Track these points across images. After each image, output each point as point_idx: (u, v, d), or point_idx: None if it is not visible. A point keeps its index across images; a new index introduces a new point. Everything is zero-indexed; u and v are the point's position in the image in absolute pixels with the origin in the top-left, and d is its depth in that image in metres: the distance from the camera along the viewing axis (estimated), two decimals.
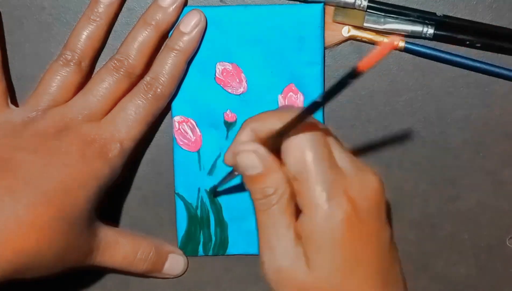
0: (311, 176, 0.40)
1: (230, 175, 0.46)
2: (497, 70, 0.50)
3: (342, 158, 0.42)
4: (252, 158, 0.41)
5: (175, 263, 0.52)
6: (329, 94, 0.36)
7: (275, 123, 0.41)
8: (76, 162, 0.45)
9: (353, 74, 0.33)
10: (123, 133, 0.47)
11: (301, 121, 0.39)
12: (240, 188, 0.51)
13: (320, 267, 0.41)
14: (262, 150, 0.41)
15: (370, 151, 0.52)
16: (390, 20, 0.50)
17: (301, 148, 0.40)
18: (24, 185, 0.43)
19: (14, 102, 0.50)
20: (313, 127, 0.41)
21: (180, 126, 0.50)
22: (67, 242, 0.44)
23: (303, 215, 0.41)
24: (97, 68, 0.50)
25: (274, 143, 0.42)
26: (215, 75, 0.50)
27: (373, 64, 0.32)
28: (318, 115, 0.50)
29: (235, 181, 0.50)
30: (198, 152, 0.51)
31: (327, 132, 0.43)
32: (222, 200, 0.51)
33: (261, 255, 0.42)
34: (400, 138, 0.52)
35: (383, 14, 0.50)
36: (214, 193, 0.51)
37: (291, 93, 0.50)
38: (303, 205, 0.41)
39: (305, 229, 0.41)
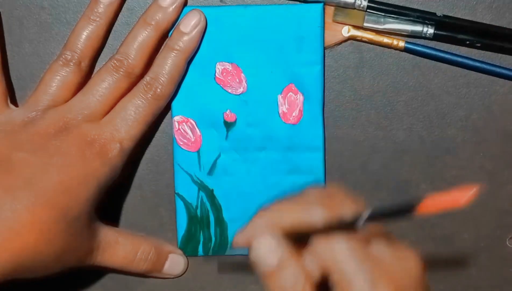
0: (350, 267, 0.38)
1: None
2: (497, 70, 0.50)
3: (378, 248, 0.40)
4: (267, 254, 0.39)
5: (175, 263, 0.52)
6: (386, 215, 0.35)
7: (298, 216, 0.39)
8: (75, 162, 0.45)
9: (410, 211, 0.32)
10: (122, 133, 0.47)
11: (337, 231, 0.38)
12: (240, 188, 0.51)
13: None
14: (277, 245, 0.39)
15: (369, 150, 0.52)
16: (390, 20, 0.50)
17: (333, 245, 0.38)
18: (23, 185, 0.43)
19: (14, 102, 0.50)
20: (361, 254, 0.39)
21: (180, 126, 0.50)
22: (67, 242, 0.44)
23: None
24: (97, 68, 0.50)
25: (297, 237, 0.39)
26: (215, 75, 0.50)
27: (434, 212, 0.31)
28: (318, 116, 0.50)
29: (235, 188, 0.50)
30: (198, 152, 0.51)
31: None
32: (222, 200, 0.51)
33: None
34: (400, 138, 0.52)
35: (383, 14, 0.50)
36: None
37: (291, 93, 0.50)
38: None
39: None
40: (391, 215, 0.34)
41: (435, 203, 0.30)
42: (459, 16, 0.50)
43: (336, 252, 0.38)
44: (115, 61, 0.48)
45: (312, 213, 0.39)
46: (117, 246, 0.48)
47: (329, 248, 0.39)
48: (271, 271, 0.39)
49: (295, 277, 0.39)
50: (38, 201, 0.43)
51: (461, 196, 0.29)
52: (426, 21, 0.50)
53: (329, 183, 0.51)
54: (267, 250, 0.39)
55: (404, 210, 0.33)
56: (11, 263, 0.42)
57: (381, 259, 0.40)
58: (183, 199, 0.51)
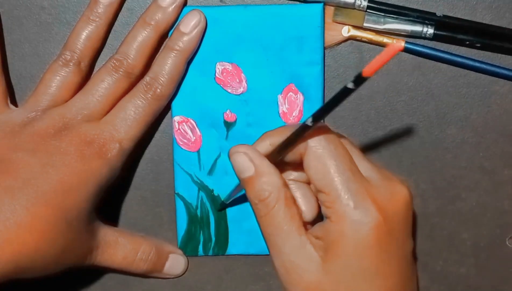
0: (336, 186, 0.41)
1: (238, 187, 0.46)
2: (497, 70, 0.50)
3: (366, 168, 0.43)
4: (243, 159, 0.42)
5: (175, 263, 0.52)
6: (335, 101, 0.36)
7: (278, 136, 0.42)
8: (75, 161, 0.45)
9: (359, 79, 0.33)
10: (122, 133, 0.47)
11: (305, 131, 0.40)
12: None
13: (338, 272, 0.41)
14: (254, 152, 0.42)
15: (370, 151, 0.52)
16: (390, 20, 0.50)
17: (322, 160, 0.41)
18: (23, 185, 0.43)
19: (14, 102, 0.50)
20: (333, 139, 0.42)
21: (180, 126, 0.50)
22: (66, 242, 0.44)
23: (328, 222, 0.42)
24: (97, 68, 0.50)
25: (284, 156, 0.42)
26: (215, 75, 0.50)
27: (378, 69, 0.32)
28: None
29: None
30: (198, 152, 0.51)
31: (348, 143, 0.43)
32: (222, 199, 0.51)
33: (272, 260, 0.43)
34: (400, 138, 0.52)
35: (383, 14, 0.50)
36: (222, 207, 0.51)
37: (291, 93, 0.50)
38: (329, 213, 0.42)
39: (329, 235, 0.41)
40: (345, 92, 0.35)
41: (375, 62, 0.32)
42: (459, 16, 0.50)
43: (327, 167, 0.41)
44: (114, 61, 0.48)
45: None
46: (117, 246, 0.48)
47: (320, 162, 0.41)
48: (249, 178, 0.42)
49: (272, 184, 0.42)
50: (38, 201, 0.43)
51: (395, 46, 0.30)
52: (426, 21, 0.50)
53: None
54: (245, 158, 0.42)
55: (354, 82, 0.33)
56: (11, 263, 0.42)
57: (369, 179, 0.42)
58: (183, 199, 0.51)
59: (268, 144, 0.43)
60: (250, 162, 0.42)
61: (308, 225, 0.45)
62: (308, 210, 0.45)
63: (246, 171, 0.42)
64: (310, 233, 0.43)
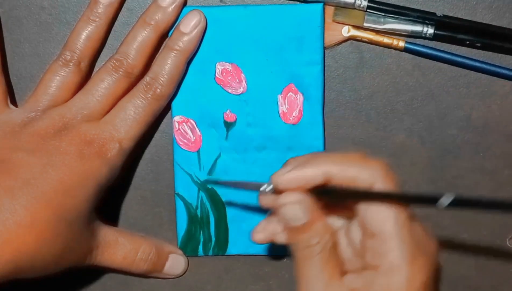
0: (393, 236, 0.39)
1: (238, 184, 0.46)
2: (497, 70, 0.50)
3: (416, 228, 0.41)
4: (297, 210, 0.40)
5: (176, 263, 0.52)
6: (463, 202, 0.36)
7: (359, 174, 0.40)
8: (75, 161, 0.45)
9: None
10: (122, 133, 0.47)
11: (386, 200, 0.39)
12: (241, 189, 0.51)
13: None
14: (308, 202, 0.40)
15: (370, 151, 0.52)
16: (390, 20, 0.50)
17: (384, 212, 0.40)
18: (22, 185, 0.43)
19: (14, 102, 0.50)
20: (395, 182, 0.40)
21: (180, 126, 0.50)
22: (66, 241, 0.44)
23: (374, 271, 0.40)
24: (97, 68, 0.50)
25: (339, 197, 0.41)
26: (215, 75, 0.50)
27: None
28: (318, 116, 0.50)
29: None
30: (198, 152, 0.51)
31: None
32: (222, 199, 0.51)
33: None
34: (400, 138, 0.52)
35: (383, 14, 0.50)
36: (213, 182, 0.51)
37: (290, 93, 0.50)
38: (378, 263, 0.40)
39: (372, 287, 0.40)
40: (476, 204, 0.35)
41: None
42: (459, 16, 0.50)
43: (386, 220, 0.39)
44: (114, 61, 0.48)
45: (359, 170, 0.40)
46: (117, 246, 0.48)
47: (380, 213, 0.39)
48: (299, 227, 0.40)
49: (321, 232, 0.40)
50: (37, 201, 0.43)
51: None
52: (426, 21, 0.50)
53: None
54: (298, 208, 0.40)
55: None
56: (11, 263, 0.42)
57: (419, 239, 0.41)
58: (183, 199, 0.51)
59: (321, 174, 0.40)
60: (305, 212, 0.40)
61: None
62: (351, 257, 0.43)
63: (299, 220, 0.40)
64: (344, 283, 0.41)
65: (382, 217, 0.40)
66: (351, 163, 0.40)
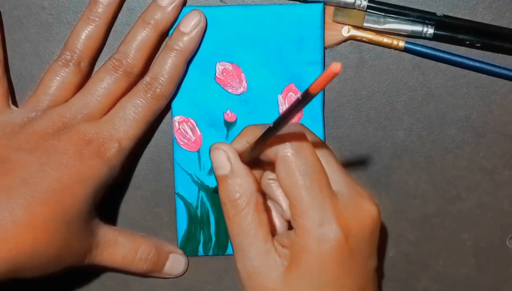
0: (302, 200, 0.41)
1: None
2: (497, 70, 0.50)
3: (338, 181, 0.43)
4: (222, 157, 0.43)
5: (176, 263, 0.52)
6: (290, 109, 0.36)
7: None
8: (73, 161, 0.45)
9: (306, 95, 0.34)
10: (121, 133, 0.47)
11: (270, 134, 0.40)
12: None
13: (298, 284, 0.42)
14: (232, 152, 0.42)
15: (369, 150, 0.52)
16: (390, 20, 0.50)
17: (291, 171, 0.41)
18: (21, 184, 0.43)
19: (14, 102, 0.50)
20: (305, 149, 0.42)
21: (180, 126, 0.50)
22: (64, 241, 0.44)
23: (294, 233, 0.42)
24: (97, 68, 0.50)
25: (257, 156, 0.43)
26: (215, 75, 0.50)
27: (322, 88, 0.33)
28: (318, 116, 0.50)
29: None
30: (198, 151, 0.51)
31: (325, 154, 0.44)
32: None
33: (235, 263, 0.43)
34: (400, 138, 0.52)
35: (383, 14, 0.50)
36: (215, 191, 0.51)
37: (291, 93, 0.50)
38: (295, 225, 0.42)
39: (293, 246, 0.42)
40: (298, 104, 0.36)
41: (318, 81, 0.32)
42: (459, 16, 0.50)
43: (295, 179, 0.41)
44: (114, 61, 0.48)
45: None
46: (117, 245, 0.48)
47: (288, 173, 0.41)
48: (223, 176, 0.42)
49: (244, 187, 0.42)
50: (35, 200, 0.43)
51: (335, 67, 0.32)
52: (426, 21, 0.50)
53: None
54: (223, 156, 0.43)
55: (303, 97, 0.34)
56: (8, 262, 0.42)
57: (338, 195, 0.42)
58: (183, 199, 0.51)
59: (245, 141, 0.43)
60: (227, 161, 0.42)
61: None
62: (287, 210, 0.44)
63: (222, 168, 0.42)
64: (277, 240, 0.43)
65: (290, 180, 0.41)
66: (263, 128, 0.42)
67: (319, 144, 0.44)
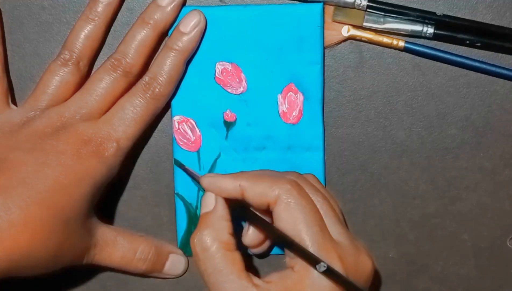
0: (304, 238, 0.43)
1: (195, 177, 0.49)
2: (497, 70, 0.50)
3: (336, 232, 0.45)
4: (210, 197, 0.45)
5: (176, 263, 0.52)
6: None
7: (264, 191, 0.44)
8: (71, 161, 0.45)
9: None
10: (120, 133, 0.47)
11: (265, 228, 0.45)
12: None
13: None
14: (220, 199, 0.45)
15: (369, 150, 0.52)
16: (390, 19, 0.50)
17: (293, 212, 0.44)
18: (18, 184, 0.43)
19: (14, 102, 0.50)
20: (305, 196, 0.44)
21: (180, 126, 0.50)
22: (62, 240, 0.44)
23: (289, 270, 0.44)
24: (96, 68, 0.50)
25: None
26: (214, 75, 0.50)
27: None
28: (318, 116, 0.50)
29: None
30: (198, 151, 0.51)
31: (325, 204, 0.46)
32: None
33: None
34: (400, 138, 0.52)
35: (383, 13, 0.50)
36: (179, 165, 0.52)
37: (290, 92, 0.50)
38: (293, 263, 0.44)
39: (286, 280, 0.43)
40: None
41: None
42: (459, 15, 0.50)
43: (297, 218, 0.44)
44: (113, 60, 0.48)
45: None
46: (115, 245, 0.48)
47: (290, 213, 0.44)
48: (203, 214, 0.45)
49: (213, 237, 0.44)
50: (32, 200, 0.43)
51: None
52: (426, 21, 0.50)
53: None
54: (210, 198, 0.45)
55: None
56: (4, 261, 0.42)
57: (339, 244, 0.44)
58: (183, 199, 0.51)
59: (238, 185, 0.45)
60: (214, 202, 0.45)
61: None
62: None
63: (205, 207, 0.45)
64: (263, 279, 0.44)
65: (292, 219, 0.44)
66: (261, 180, 0.45)
67: (322, 193, 0.46)
